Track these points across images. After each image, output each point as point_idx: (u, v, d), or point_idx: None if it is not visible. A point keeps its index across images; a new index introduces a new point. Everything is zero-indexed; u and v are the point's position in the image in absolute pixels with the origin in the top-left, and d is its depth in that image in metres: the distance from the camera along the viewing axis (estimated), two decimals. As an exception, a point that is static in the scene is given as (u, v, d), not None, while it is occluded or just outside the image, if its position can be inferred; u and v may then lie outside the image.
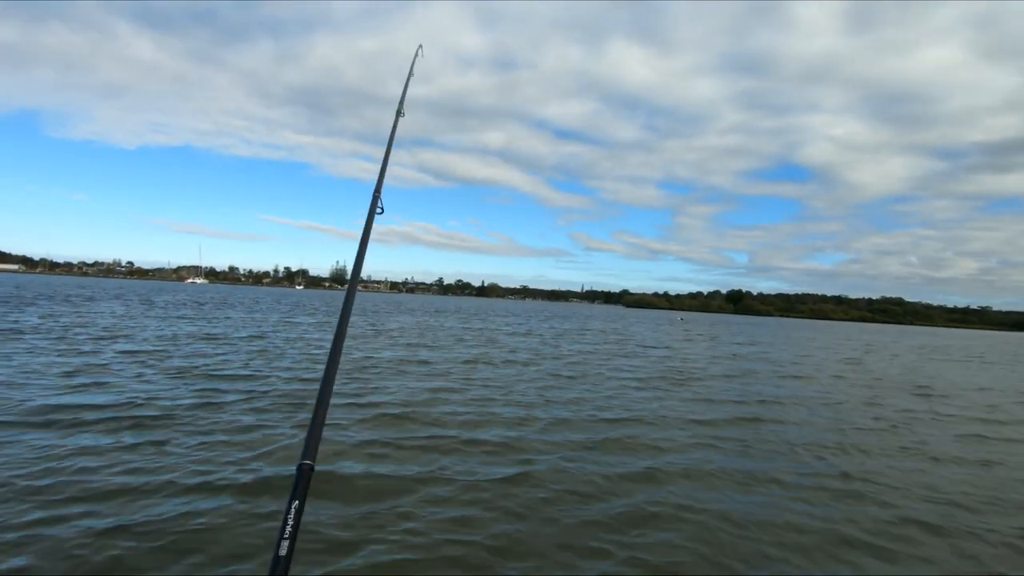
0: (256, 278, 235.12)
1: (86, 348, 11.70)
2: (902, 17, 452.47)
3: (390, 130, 2.53)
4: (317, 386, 1.41)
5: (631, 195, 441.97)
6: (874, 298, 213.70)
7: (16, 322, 16.22)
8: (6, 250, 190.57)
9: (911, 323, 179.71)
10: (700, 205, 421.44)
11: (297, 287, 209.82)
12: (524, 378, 11.15)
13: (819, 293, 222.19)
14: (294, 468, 1.22)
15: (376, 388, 8.99)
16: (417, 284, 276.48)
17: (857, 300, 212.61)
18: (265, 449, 5.42)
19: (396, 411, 7.33)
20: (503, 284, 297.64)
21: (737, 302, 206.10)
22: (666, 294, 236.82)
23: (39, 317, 18.35)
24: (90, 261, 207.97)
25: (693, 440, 6.94)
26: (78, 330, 15.18)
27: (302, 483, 1.20)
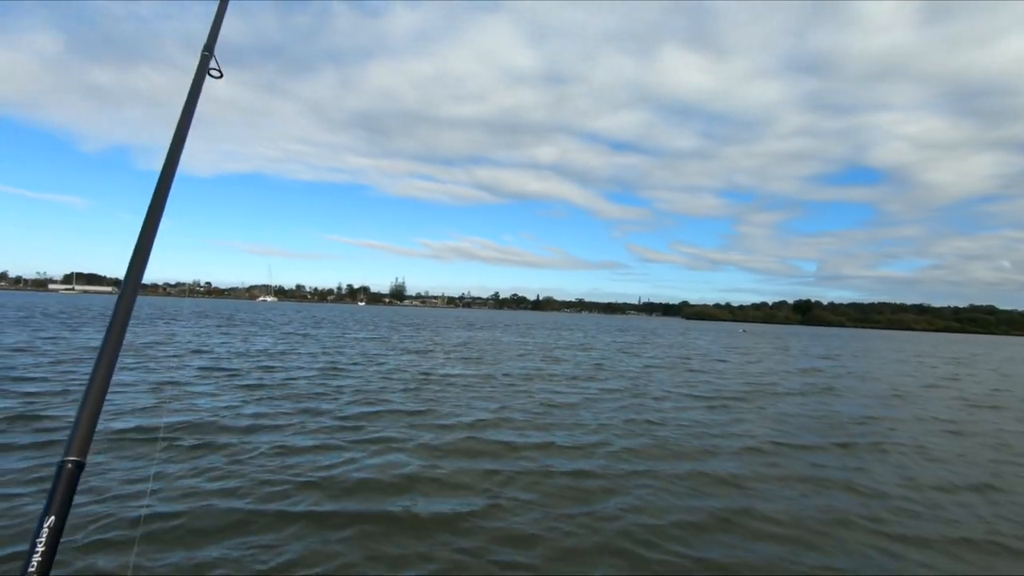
0: (321, 295, 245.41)
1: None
2: (979, 7, 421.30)
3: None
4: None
5: (688, 205, 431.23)
6: (961, 306, 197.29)
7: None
8: (103, 274, 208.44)
9: (1005, 332, 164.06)
10: (763, 213, 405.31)
11: (360, 303, 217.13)
12: (589, 395, 10.81)
13: (897, 302, 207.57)
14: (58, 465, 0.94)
15: (443, 405, 8.95)
16: (474, 299, 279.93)
17: (941, 309, 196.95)
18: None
19: (463, 434, 7.01)
20: (558, 298, 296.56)
21: (806, 312, 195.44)
22: (728, 305, 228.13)
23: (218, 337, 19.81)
24: (173, 282, 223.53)
25: (783, 472, 6.10)
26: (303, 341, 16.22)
27: (62, 483, 0.94)
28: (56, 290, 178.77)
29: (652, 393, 11.39)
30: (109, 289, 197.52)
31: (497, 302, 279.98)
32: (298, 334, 24.95)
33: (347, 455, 5.80)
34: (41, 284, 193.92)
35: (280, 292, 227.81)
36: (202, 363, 12.83)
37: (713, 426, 8.39)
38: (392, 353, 17.54)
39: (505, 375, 12.94)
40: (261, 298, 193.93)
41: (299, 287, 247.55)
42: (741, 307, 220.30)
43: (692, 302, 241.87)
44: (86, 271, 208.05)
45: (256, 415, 7.42)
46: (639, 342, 30.84)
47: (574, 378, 13.01)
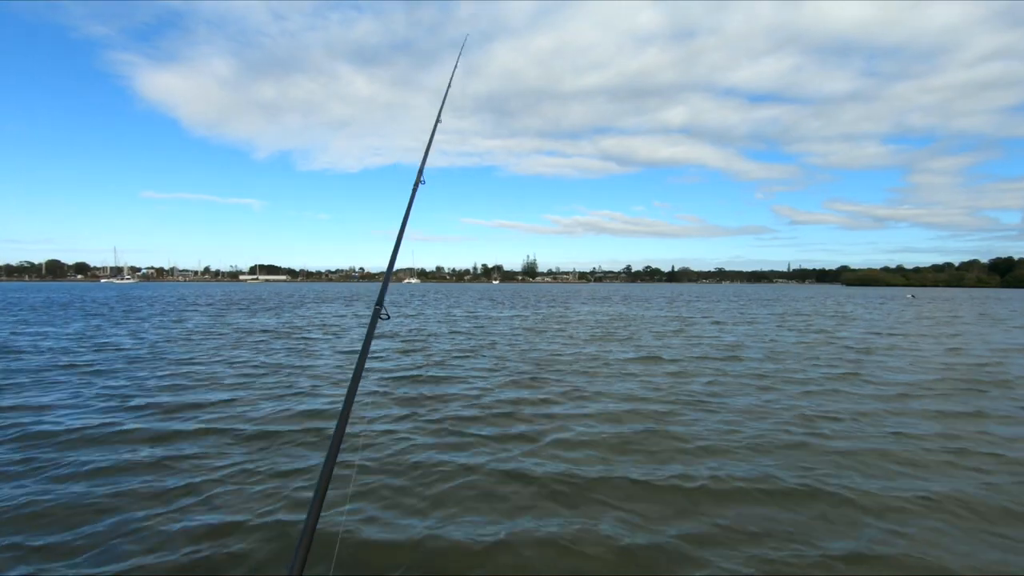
0: (458, 276, 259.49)
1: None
2: None
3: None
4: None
5: (846, 156, 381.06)
6: None
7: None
8: (278, 264, 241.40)
9: None
10: (945, 157, 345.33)
11: (494, 281, 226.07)
12: (743, 378, 10.15)
13: None
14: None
15: (586, 386, 9.08)
16: (605, 273, 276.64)
17: None
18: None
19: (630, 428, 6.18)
20: (695, 268, 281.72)
21: (1006, 272, 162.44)
22: (900, 268, 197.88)
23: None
24: (333, 269, 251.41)
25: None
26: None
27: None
28: (245, 280, 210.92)
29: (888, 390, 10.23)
30: (284, 277, 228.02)
31: (629, 275, 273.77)
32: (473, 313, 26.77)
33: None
34: (233, 276, 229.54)
35: (422, 274, 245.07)
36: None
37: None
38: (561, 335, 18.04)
39: (671, 360, 11.60)
40: (406, 280, 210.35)
41: (439, 268, 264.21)
42: (917, 269, 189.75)
43: (853, 266, 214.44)
44: (266, 263, 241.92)
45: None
46: (804, 313, 28.29)
47: (761, 376, 9.59)
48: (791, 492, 4.52)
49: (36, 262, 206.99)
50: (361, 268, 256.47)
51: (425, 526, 3.87)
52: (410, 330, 18.07)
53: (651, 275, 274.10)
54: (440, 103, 3.38)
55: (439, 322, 21.48)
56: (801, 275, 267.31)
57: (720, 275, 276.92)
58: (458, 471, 4.92)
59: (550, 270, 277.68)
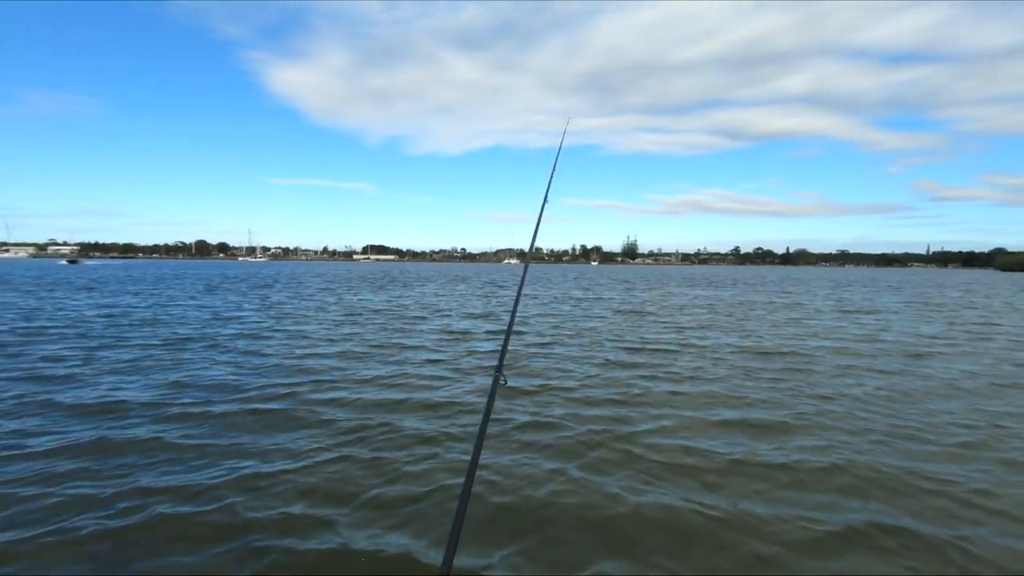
0: (557, 256, 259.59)
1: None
2: None
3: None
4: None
5: (1006, 121, 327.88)
6: None
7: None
8: (387, 244, 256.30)
9: None
10: None
11: (592, 263, 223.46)
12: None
13: None
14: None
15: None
16: (710, 255, 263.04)
17: None
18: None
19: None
20: (813, 250, 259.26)
21: None
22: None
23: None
24: (437, 249, 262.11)
25: None
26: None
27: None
28: (358, 260, 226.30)
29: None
30: (392, 257, 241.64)
31: (738, 257, 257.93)
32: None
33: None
34: (348, 255, 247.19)
35: (522, 255, 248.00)
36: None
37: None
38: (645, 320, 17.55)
39: (798, 354, 11.76)
40: (506, 261, 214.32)
41: (537, 249, 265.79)
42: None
43: (1011, 249, 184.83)
44: (376, 243, 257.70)
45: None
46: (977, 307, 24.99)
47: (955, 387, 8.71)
48: None
49: (187, 242, 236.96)
50: (463, 248, 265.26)
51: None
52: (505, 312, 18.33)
53: (762, 257, 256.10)
54: (548, 180, 3.65)
55: (543, 303, 21.60)
56: (943, 259, 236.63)
57: (843, 258, 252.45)
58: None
59: (651, 251, 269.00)
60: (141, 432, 5.28)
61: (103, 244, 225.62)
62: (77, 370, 7.94)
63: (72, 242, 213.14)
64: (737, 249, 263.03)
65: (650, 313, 18.10)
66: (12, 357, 8.83)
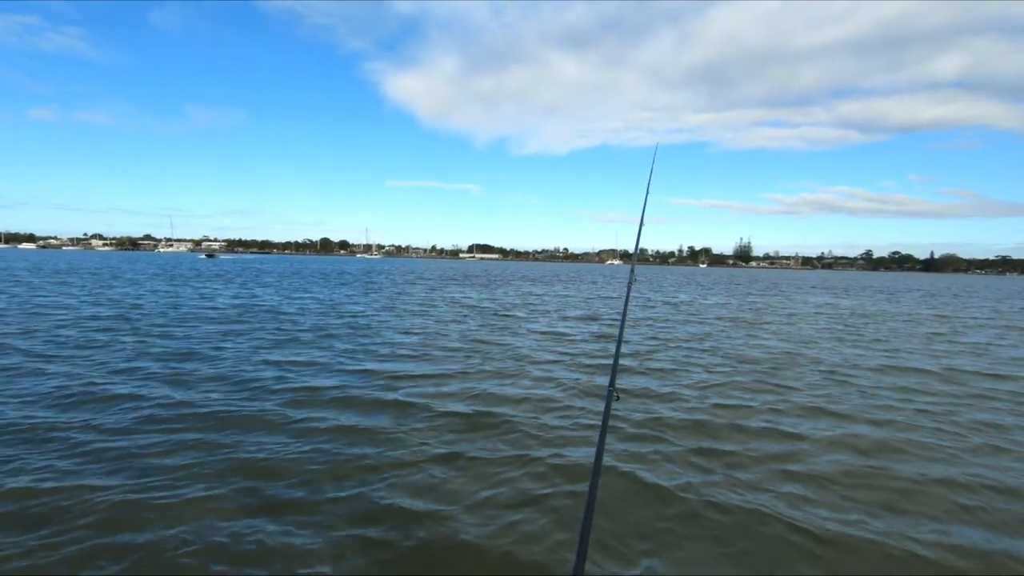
0: (662, 258, 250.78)
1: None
2: None
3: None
4: None
5: None
6: None
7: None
8: (491, 243, 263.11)
9: None
10: None
11: (701, 265, 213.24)
12: None
13: None
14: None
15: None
16: (836, 259, 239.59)
17: None
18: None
19: None
20: (964, 255, 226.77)
21: None
22: None
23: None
24: (539, 249, 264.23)
25: None
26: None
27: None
28: (464, 258, 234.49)
29: None
30: (496, 256, 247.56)
31: (869, 261, 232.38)
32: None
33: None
34: (454, 254, 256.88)
35: (625, 256, 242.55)
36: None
37: None
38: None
39: None
40: (609, 262, 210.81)
41: (642, 250, 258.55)
42: None
43: None
44: (481, 242, 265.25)
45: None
46: None
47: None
48: None
49: (313, 239, 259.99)
50: (565, 248, 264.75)
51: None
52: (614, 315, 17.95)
53: (899, 262, 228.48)
54: (643, 202, 3.73)
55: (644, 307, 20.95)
56: None
57: (1004, 264, 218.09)
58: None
59: (767, 254, 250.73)
60: (295, 413, 5.81)
61: (245, 241, 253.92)
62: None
63: (221, 239, 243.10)
64: (869, 252, 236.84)
65: (773, 322, 16.82)
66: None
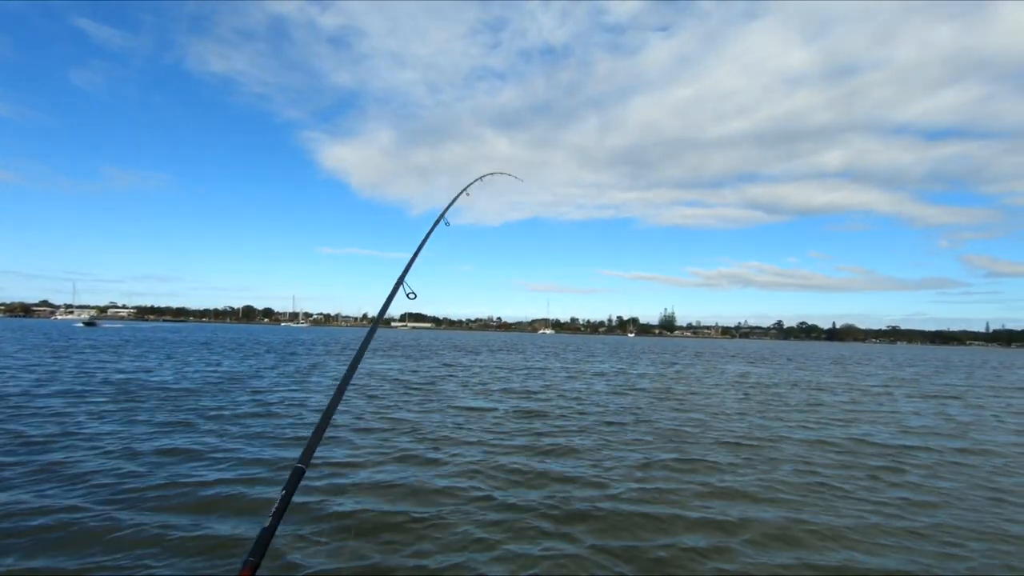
0: (593, 327, 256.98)
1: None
2: None
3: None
4: None
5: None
6: None
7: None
8: (424, 312, 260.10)
9: None
10: None
11: (629, 334, 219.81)
12: None
13: None
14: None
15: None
16: (752, 328, 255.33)
17: None
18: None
19: None
20: (861, 325, 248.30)
21: None
22: None
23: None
24: (473, 318, 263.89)
25: None
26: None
27: (291, 482, 1.43)
28: (396, 327, 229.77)
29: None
30: (429, 325, 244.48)
31: (781, 331, 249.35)
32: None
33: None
34: (386, 323, 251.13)
35: (557, 325, 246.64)
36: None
37: None
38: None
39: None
40: (541, 331, 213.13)
41: (573, 319, 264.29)
42: None
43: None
44: (414, 311, 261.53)
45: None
46: None
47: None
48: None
49: (235, 307, 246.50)
50: (499, 318, 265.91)
51: None
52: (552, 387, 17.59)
53: (807, 332, 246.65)
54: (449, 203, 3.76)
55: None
56: (1006, 337, 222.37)
57: (894, 334, 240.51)
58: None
59: (690, 324, 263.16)
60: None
61: (158, 308, 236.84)
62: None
63: (130, 305, 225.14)
64: (780, 323, 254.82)
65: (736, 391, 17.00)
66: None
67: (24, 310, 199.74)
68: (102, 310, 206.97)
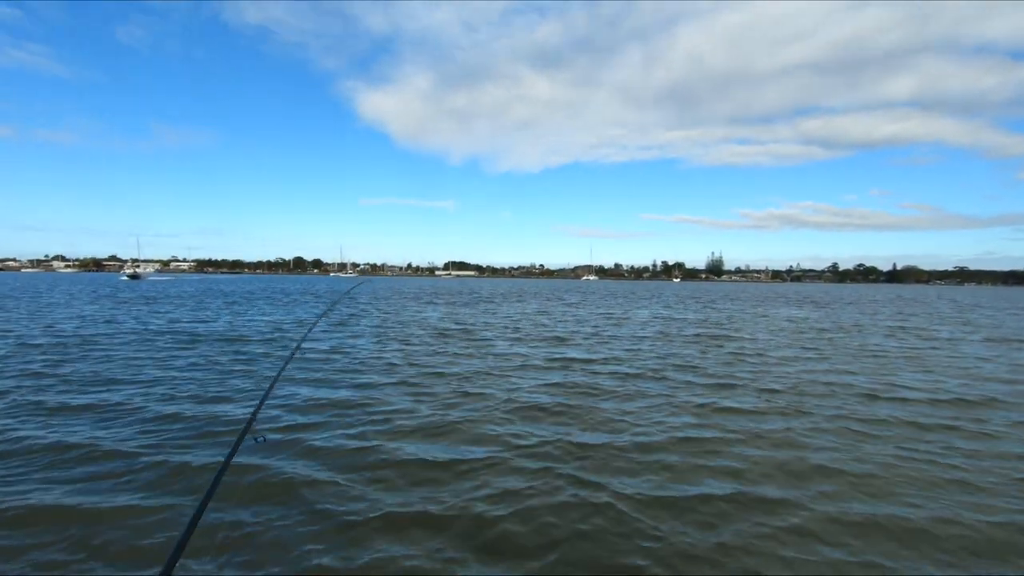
0: (637, 273, 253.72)
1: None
2: None
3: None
4: None
5: None
6: None
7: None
8: (467, 260, 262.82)
9: None
10: None
11: (675, 280, 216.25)
12: None
13: None
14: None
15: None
16: (804, 271, 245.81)
17: None
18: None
19: None
20: (925, 266, 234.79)
21: None
22: None
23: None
24: (515, 265, 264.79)
25: None
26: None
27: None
28: (440, 275, 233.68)
29: None
30: (472, 273, 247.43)
31: (836, 274, 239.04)
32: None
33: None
34: (430, 271, 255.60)
35: (600, 271, 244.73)
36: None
37: None
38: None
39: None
40: (584, 277, 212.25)
41: (617, 266, 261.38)
42: None
43: None
44: (457, 259, 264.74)
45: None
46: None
47: None
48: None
49: (286, 258, 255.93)
50: (541, 264, 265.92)
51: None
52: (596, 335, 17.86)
53: (864, 274, 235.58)
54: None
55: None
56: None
57: (962, 275, 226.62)
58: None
59: (738, 268, 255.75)
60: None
61: (215, 260, 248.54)
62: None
63: (191, 258, 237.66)
64: (835, 265, 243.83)
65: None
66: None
67: (96, 265, 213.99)
68: (165, 263, 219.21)
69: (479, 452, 5.67)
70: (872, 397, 8.52)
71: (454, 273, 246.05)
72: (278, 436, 5.94)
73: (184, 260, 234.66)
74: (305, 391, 8.16)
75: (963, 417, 7.41)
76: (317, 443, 5.79)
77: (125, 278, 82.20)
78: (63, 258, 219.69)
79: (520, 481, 4.92)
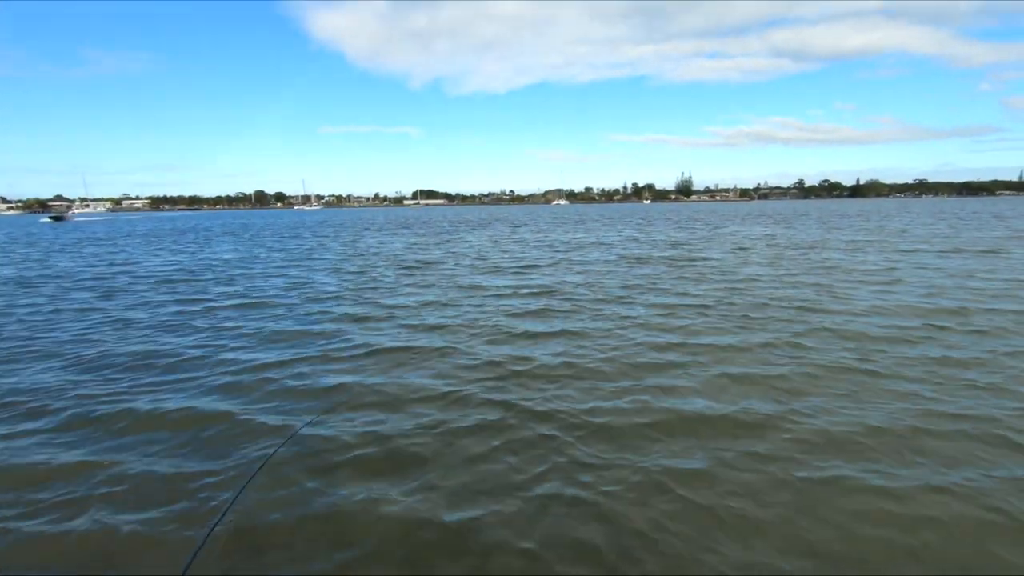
0: (608, 196, 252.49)
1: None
2: None
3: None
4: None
5: None
6: None
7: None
8: (436, 189, 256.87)
9: None
10: None
11: (645, 202, 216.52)
12: None
13: None
14: None
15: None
16: (771, 189, 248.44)
17: None
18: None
19: None
20: (886, 180, 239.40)
21: None
22: None
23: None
24: (486, 192, 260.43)
25: None
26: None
27: None
28: (408, 205, 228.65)
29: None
30: (442, 202, 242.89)
31: (801, 190, 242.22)
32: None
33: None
34: (398, 201, 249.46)
35: (571, 195, 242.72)
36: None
37: None
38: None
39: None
40: (555, 202, 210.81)
41: (587, 189, 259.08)
42: None
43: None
44: (426, 188, 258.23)
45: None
46: None
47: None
48: None
49: (247, 192, 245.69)
50: (511, 191, 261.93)
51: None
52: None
53: (828, 190, 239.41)
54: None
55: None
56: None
57: (920, 187, 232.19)
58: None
59: (707, 188, 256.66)
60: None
61: (171, 197, 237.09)
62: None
63: (143, 196, 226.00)
64: (801, 182, 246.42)
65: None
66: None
67: (41, 206, 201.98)
68: (117, 202, 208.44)
69: (440, 384, 5.72)
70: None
71: (423, 202, 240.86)
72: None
73: (137, 198, 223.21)
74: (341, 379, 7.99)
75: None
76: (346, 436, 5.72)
77: (47, 220, 74.58)
78: (4, 200, 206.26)
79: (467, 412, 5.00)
